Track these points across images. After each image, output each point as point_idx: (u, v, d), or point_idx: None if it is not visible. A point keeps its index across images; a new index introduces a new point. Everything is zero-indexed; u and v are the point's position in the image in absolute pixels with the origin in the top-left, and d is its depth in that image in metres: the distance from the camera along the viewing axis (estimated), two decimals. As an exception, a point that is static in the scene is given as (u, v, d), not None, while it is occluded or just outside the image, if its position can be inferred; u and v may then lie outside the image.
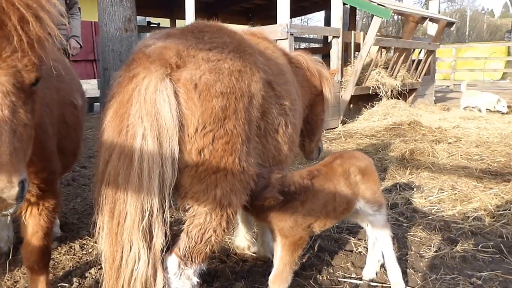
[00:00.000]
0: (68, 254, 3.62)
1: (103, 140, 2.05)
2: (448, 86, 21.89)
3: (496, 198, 4.80)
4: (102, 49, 6.89)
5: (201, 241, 2.14)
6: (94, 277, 3.20)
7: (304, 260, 3.46)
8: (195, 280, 2.18)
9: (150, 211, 1.96)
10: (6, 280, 3.15)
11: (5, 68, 1.58)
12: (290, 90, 2.94)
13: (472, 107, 11.81)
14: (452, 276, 3.23)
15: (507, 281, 3.16)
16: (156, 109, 1.94)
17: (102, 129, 2.06)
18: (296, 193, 2.57)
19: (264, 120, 2.50)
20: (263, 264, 3.42)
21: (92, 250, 3.67)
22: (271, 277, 2.64)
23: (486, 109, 11.43)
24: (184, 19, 9.83)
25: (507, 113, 11.05)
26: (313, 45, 17.77)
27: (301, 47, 20.27)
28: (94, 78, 10.90)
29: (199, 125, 2.05)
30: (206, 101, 2.06)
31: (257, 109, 2.35)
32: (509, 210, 4.41)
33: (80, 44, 6.25)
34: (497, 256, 3.56)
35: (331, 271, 3.32)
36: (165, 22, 15.78)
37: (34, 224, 2.43)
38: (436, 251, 3.64)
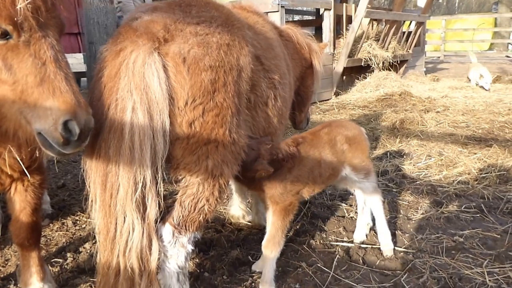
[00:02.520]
0: (61, 231, 3.58)
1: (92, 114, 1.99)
2: (439, 57, 21.61)
3: (479, 162, 4.83)
4: (87, 22, 6.50)
5: (194, 210, 2.13)
6: (88, 251, 3.18)
7: (298, 227, 3.48)
8: (190, 247, 2.17)
9: (143, 182, 1.93)
10: (-4, 259, 3.11)
11: (54, 19, 1.76)
12: (279, 64, 2.86)
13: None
14: (437, 235, 3.28)
15: (486, 237, 3.22)
16: (145, 82, 1.89)
17: (90, 103, 2.01)
18: (284, 160, 2.55)
19: (254, 93, 2.45)
20: (258, 232, 3.44)
21: (86, 225, 3.62)
22: (264, 242, 2.65)
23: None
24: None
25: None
26: (306, 17, 17.34)
27: (294, 19, 19.76)
28: (79, 52, 10.02)
29: (189, 98, 2.00)
30: (195, 75, 2.00)
31: (246, 82, 2.29)
32: (491, 173, 4.45)
33: None
34: (478, 215, 3.61)
35: (324, 236, 3.35)
36: (153, -7, 15.00)
37: (21, 200, 2.35)
38: (422, 214, 3.68)
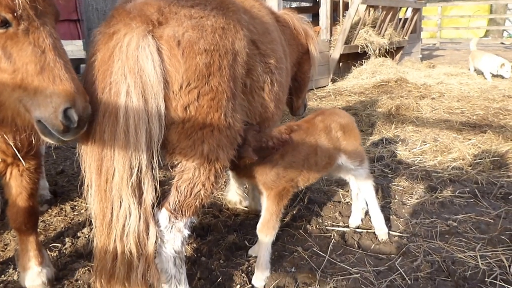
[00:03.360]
0: (59, 216, 3.56)
1: None
2: (435, 44, 21.46)
3: (474, 148, 4.83)
4: (85, 8, 6.44)
5: (191, 195, 2.10)
6: (87, 236, 3.17)
7: (294, 212, 3.48)
8: (186, 232, 2.15)
9: (138, 167, 1.90)
10: (-5, 244, 3.09)
11: (50, 7, 1.76)
12: (276, 49, 2.81)
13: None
14: (431, 220, 3.28)
15: (479, 222, 3.23)
16: (139, 66, 1.84)
17: (84, 87, 1.96)
18: (274, 148, 2.51)
19: (250, 78, 2.40)
20: (255, 217, 3.43)
21: (84, 211, 3.60)
22: (258, 226, 2.63)
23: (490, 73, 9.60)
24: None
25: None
26: (303, 4, 17.13)
27: (292, 6, 19.50)
28: (79, 38, 9.88)
29: (184, 82, 1.96)
30: (190, 58, 1.95)
31: (241, 67, 2.24)
32: (485, 158, 4.45)
33: None
34: (471, 200, 3.61)
35: (320, 221, 3.35)
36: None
37: (16, 185, 2.34)
38: (417, 199, 3.68)
